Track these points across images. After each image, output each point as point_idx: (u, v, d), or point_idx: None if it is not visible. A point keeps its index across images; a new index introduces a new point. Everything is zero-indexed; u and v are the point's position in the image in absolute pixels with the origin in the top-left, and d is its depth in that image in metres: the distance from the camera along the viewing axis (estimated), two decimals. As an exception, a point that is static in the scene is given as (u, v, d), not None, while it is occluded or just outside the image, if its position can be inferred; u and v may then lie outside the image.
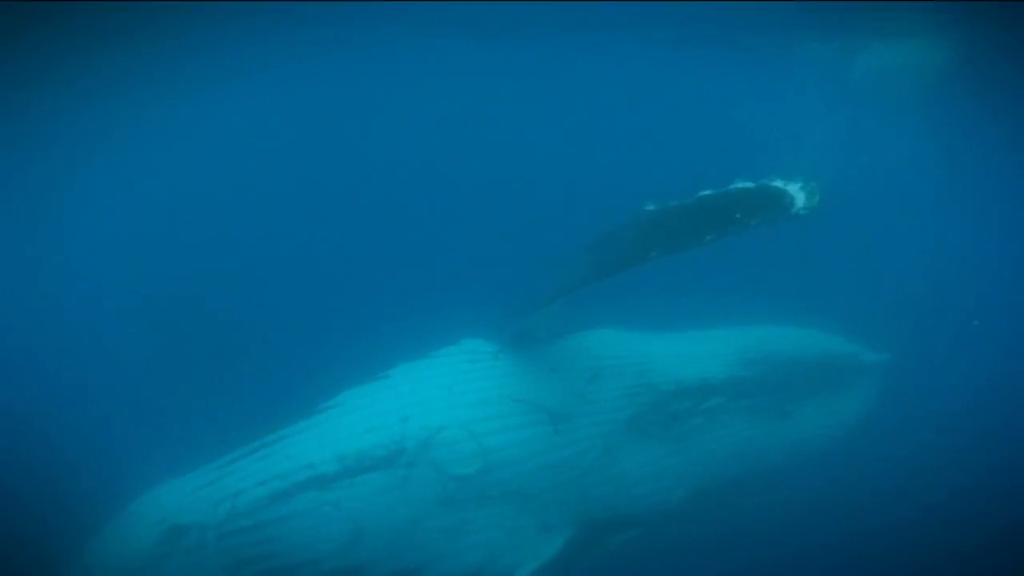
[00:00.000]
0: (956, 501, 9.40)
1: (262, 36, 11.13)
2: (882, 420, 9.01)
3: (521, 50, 12.11)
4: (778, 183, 6.19)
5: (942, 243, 12.03)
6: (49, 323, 11.39)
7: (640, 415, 7.66)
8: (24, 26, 9.13)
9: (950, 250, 11.95)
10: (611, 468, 7.47)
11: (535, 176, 11.76)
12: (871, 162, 11.83)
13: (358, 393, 7.76)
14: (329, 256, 11.64)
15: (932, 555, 9.09)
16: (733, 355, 8.36)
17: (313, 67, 12.48)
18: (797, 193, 6.16)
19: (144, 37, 10.18)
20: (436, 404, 7.48)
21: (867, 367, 8.90)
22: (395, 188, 12.11)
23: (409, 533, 6.99)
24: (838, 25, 10.63)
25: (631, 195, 6.60)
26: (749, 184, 6.24)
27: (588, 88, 13.14)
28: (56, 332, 11.34)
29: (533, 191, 11.44)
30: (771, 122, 12.67)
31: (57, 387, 10.84)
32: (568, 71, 12.70)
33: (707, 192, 6.28)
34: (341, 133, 12.67)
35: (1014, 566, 8.83)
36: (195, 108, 12.58)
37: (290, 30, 10.84)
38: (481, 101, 13.30)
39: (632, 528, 7.65)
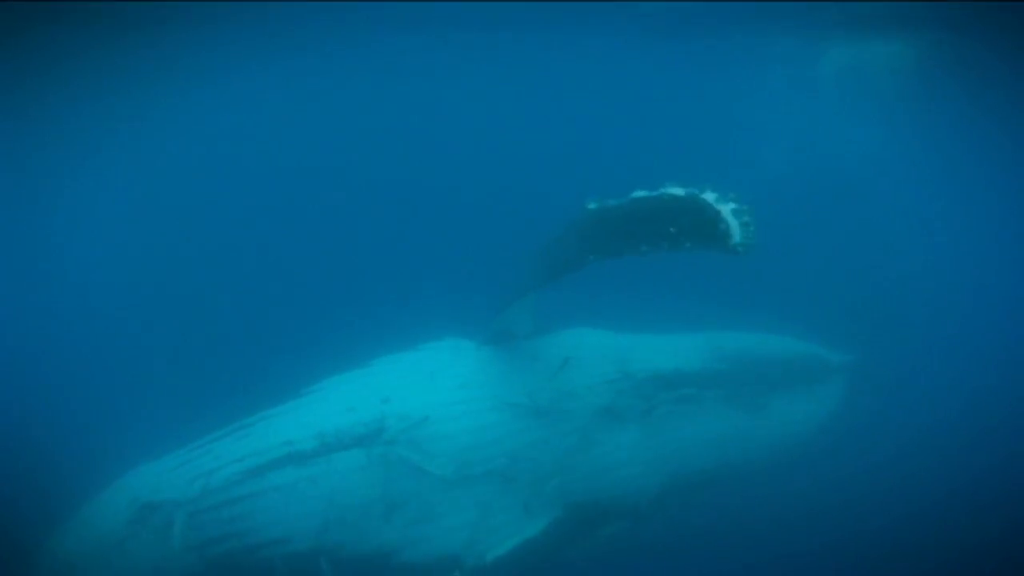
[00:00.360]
0: (945, 503, 9.55)
1: (261, 33, 11.45)
2: (865, 422, 9.28)
3: (491, 46, 12.37)
4: (709, 197, 5.92)
5: (911, 242, 12.24)
6: (30, 310, 11.59)
7: (617, 402, 7.82)
8: (24, 24, 9.36)
9: (919, 249, 12.15)
10: (589, 451, 7.57)
11: (503, 174, 11.93)
12: (836, 159, 12.01)
13: (340, 379, 7.89)
14: (318, 249, 11.85)
15: (921, 557, 9.22)
16: (707, 351, 8.60)
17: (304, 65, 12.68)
18: (731, 220, 5.84)
19: (147, 33, 10.52)
20: (418, 388, 7.63)
21: (833, 367, 9.16)
22: (384, 185, 12.33)
23: (385, 513, 7.01)
24: (807, 21, 10.82)
25: (591, 192, 6.72)
26: (679, 192, 6.02)
27: (554, 84, 13.31)
28: (39, 319, 11.56)
29: (502, 190, 11.61)
30: (739, 118, 12.88)
31: (36, 376, 11.05)
32: (535, 68, 12.88)
33: (640, 194, 6.12)
34: (334, 129, 12.84)
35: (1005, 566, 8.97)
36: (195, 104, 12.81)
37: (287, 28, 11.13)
38: (466, 98, 13.44)
39: (616, 519, 7.70)
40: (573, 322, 8.54)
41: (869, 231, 11.97)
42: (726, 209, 5.90)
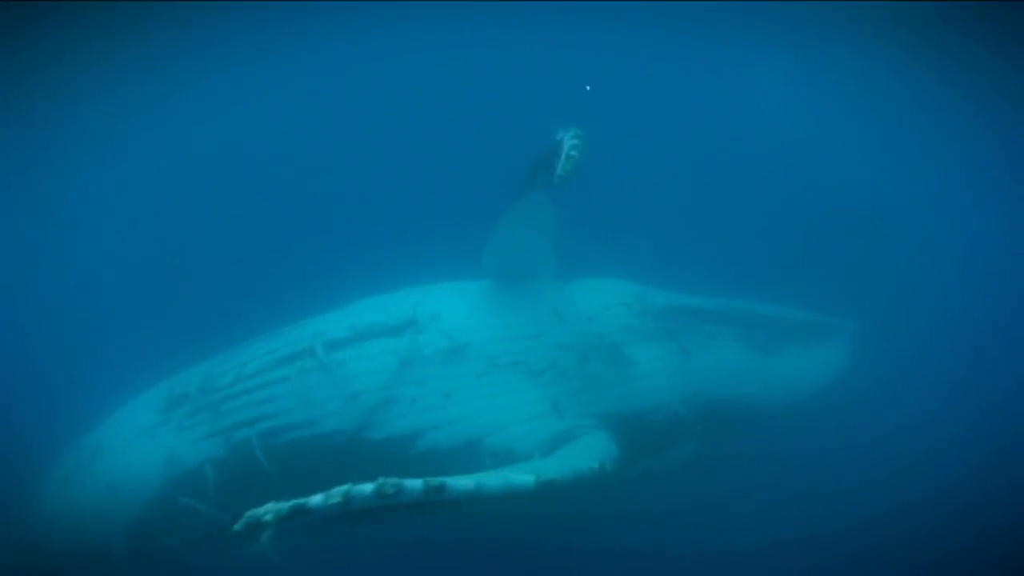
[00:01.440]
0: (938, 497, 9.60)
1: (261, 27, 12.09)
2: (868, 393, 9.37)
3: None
4: (567, 135, 6.71)
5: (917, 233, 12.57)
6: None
7: (639, 323, 8.12)
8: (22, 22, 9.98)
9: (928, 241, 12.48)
10: (614, 354, 7.80)
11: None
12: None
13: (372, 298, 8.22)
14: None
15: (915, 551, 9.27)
16: (720, 299, 8.95)
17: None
18: (565, 156, 6.64)
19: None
20: (448, 297, 8.00)
21: (838, 331, 9.46)
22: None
23: (409, 394, 7.19)
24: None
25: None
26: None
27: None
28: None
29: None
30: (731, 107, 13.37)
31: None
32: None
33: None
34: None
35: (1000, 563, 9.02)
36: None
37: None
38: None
39: (653, 445, 7.69)
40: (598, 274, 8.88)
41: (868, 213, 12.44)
42: (568, 146, 6.73)
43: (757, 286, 9.44)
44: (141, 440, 7.60)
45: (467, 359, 7.44)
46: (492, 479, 5.79)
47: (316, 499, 4.99)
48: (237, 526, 4.97)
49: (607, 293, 8.47)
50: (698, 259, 10.12)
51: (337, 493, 5.00)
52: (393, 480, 5.14)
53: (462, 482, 5.52)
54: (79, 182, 12.71)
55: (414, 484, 5.22)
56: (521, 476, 5.99)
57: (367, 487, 5.07)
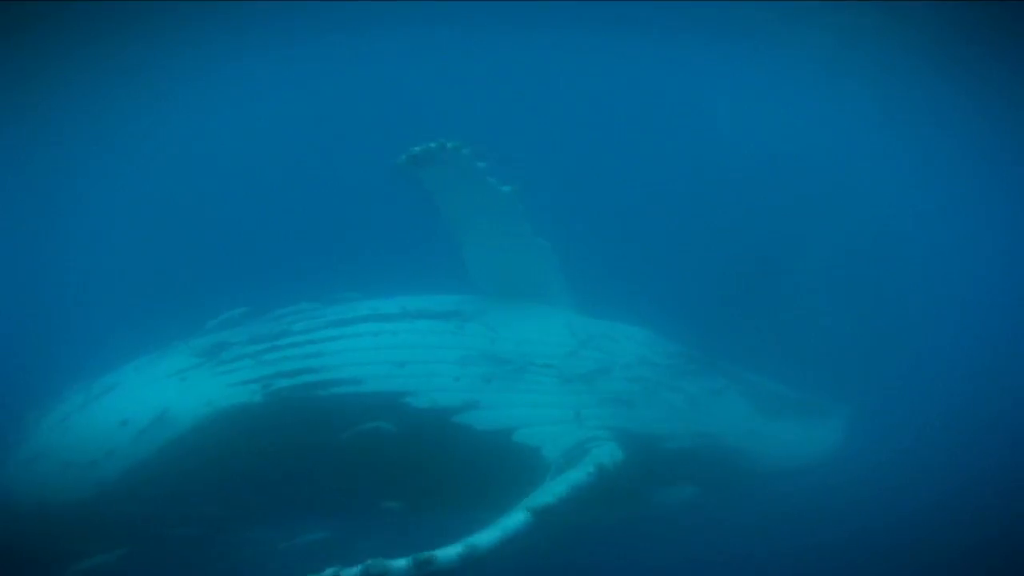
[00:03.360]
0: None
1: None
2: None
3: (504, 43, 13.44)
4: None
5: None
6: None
7: (659, 361, 8.44)
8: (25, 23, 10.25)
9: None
10: (636, 377, 8.09)
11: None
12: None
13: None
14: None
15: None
16: (728, 361, 9.31)
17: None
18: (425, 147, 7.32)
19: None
20: (493, 299, 8.38)
21: (834, 412, 9.70)
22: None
23: (453, 372, 7.41)
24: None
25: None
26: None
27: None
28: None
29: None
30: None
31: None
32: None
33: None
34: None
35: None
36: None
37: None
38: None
39: (658, 474, 7.86)
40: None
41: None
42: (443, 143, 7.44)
43: (762, 361, 9.79)
44: (168, 381, 7.54)
45: (506, 353, 7.71)
46: (485, 534, 5.67)
47: None
48: None
49: (628, 330, 8.83)
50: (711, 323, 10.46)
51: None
52: (379, 561, 5.10)
53: (452, 550, 5.39)
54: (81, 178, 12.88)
55: (399, 564, 5.14)
56: (514, 517, 5.95)
57: (354, 570, 5.08)
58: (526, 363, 7.68)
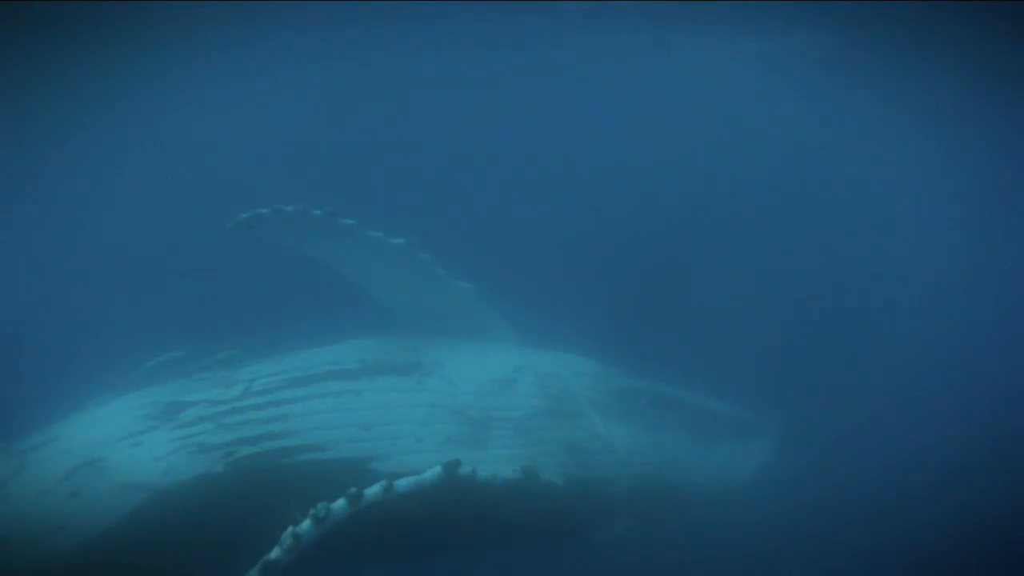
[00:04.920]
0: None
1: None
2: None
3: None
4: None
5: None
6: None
7: (604, 401, 8.71)
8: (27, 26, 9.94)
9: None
10: (585, 423, 8.34)
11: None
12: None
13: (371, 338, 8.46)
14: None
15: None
16: (667, 386, 9.66)
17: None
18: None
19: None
20: (447, 345, 8.42)
21: (762, 430, 10.24)
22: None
23: (416, 433, 7.43)
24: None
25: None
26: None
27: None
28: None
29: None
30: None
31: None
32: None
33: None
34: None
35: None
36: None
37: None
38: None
39: (604, 514, 8.26)
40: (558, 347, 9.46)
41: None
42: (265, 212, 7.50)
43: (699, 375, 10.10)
44: (120, 446, 7.19)
45: (466, 408, 7.80)
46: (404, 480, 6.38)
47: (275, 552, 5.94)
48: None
49: (575, 364, 9.09)
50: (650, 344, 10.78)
51: (286, 536, 6.01)
52: (322, 505, 6.09)
53: (375, 487, 6.23)
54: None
55: (339, 503, 6.12)
56: (431, 471, 6.50)
57: (305, 524, 6.04)
58: (485, 417, 7.78)
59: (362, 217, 7.82)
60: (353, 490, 6.18)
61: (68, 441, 7.40)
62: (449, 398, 7.78)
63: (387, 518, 6.38)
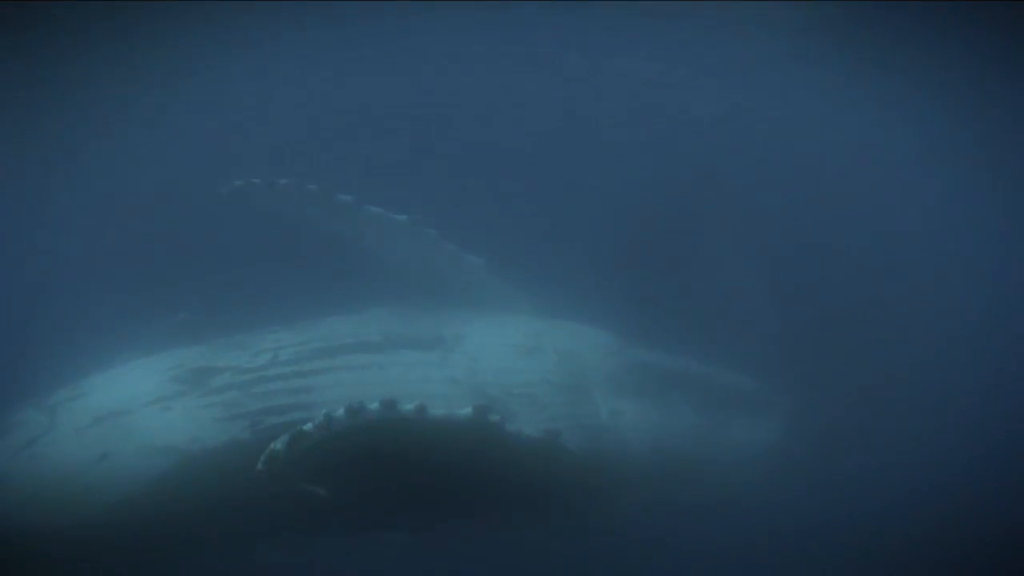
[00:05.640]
0: None
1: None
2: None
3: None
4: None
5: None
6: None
7: (617, 376, 8.81)
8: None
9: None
10: (601, 398, 8.46)
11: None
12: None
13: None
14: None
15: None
16: (681, 359, 9.73)
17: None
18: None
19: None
20: (468, 318, 8.53)
21: (773, 404, 10.18)
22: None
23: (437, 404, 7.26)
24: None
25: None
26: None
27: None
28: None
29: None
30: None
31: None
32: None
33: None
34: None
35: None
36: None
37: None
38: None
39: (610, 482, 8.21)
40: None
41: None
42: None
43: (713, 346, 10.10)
44: (149, 410, 7.30)
45: (486, 385, 7.91)
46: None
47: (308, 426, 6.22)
48: (260, 464, 6.09)
49: (593, 339, 9.16)
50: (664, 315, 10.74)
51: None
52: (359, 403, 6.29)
53: (408, 405, 6.41)
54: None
55: (374, 406, 6.33)
56: (463, 410, 6.58)
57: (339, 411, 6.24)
58: (504, 394, 7.89)
59: (380, 196, 7.93)
60: (387, 399, 6.31)
61: (98, 400, 7.51)
62: (469, 374, 7.92)
63: (405, 451, 6.50)
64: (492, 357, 8.19)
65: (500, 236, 9.47)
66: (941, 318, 12.04)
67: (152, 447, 7.07)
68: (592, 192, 12.26)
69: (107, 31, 10.64)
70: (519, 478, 7.47)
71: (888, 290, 12.56)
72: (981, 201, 13.85)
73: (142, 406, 7.38)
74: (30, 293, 10.77)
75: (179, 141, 11.88)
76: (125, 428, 7.20)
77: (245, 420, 7.20)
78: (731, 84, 13.84)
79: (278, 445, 6.14)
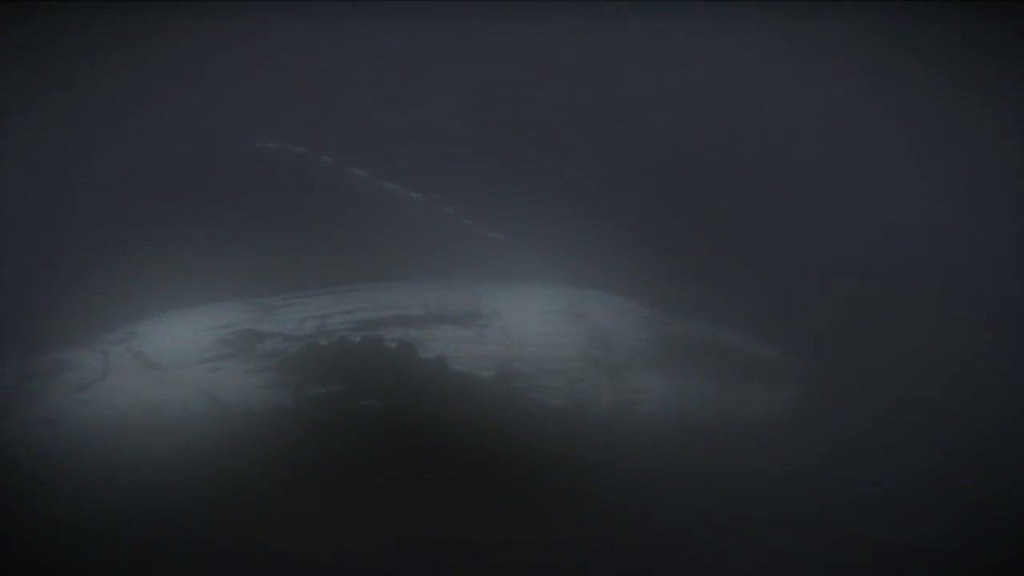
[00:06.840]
0: None
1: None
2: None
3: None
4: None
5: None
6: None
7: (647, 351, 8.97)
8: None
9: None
10: (630, 374, 8.61)
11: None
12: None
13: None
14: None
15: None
16: (705, 328, 9.90)
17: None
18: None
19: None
20: (503, 293, 8.68)
21: (789, 371, 10.28)
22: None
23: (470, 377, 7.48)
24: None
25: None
26: None
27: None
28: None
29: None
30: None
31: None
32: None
33: None
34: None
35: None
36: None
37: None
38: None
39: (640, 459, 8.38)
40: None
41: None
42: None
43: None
44: (199, 369, 7.50)
45: (520, 363, 8.03)
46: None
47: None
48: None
49: (627, 312, 9.32)
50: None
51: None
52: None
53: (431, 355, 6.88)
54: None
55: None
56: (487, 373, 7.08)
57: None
58: (535, 371, 8.06)
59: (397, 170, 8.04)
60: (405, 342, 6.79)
61: (150, 350, 7.72)
62: (504, 350, 8.09)
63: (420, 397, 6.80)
64: (525, 331, 8.34)
65: (528, 213, 9.52)
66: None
67: (200, 407, 7.31)
68: (626, 164, 12.26)
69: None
70: (538, 450, 7.70)
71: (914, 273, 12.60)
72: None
73: (193, 364, 7.60)
74: (83, 237, 11.04)
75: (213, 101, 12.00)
76: (176, 386, 7.41)
77: (288, 388, 7.34)
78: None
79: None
